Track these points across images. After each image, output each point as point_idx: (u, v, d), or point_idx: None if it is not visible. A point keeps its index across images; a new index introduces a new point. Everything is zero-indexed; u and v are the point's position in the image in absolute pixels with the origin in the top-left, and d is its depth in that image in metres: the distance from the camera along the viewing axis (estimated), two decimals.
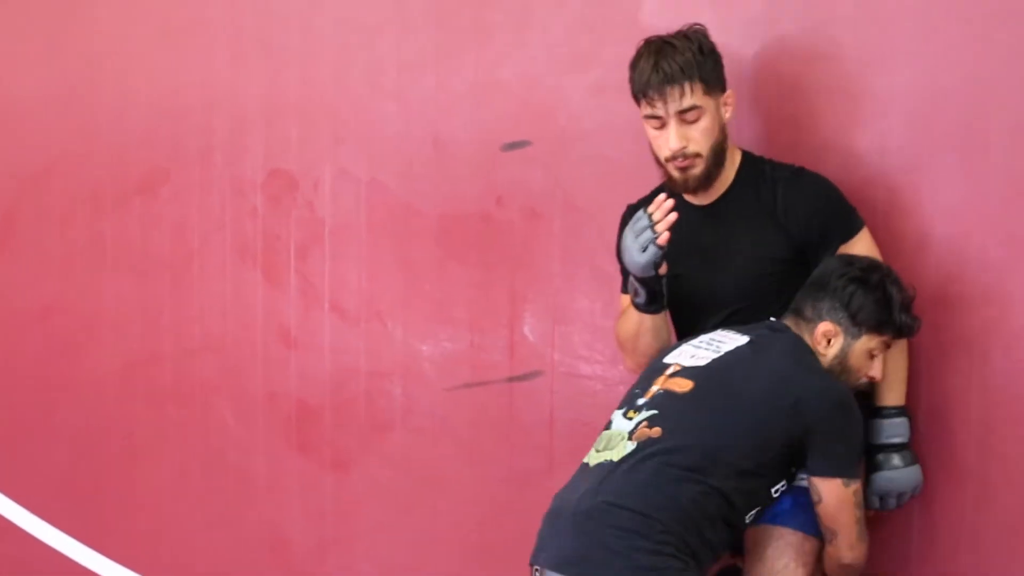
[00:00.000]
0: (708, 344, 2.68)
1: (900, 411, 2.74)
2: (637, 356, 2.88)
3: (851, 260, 2.68)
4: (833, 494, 2.56)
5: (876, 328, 2.62)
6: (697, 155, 2.71)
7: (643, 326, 2.82)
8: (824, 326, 2.64)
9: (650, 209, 2.65)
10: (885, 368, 2.69)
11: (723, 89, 2.75)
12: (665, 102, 2.67)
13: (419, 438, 3.63)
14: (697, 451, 2.50)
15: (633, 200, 2.94)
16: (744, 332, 2.68)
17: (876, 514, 2.77)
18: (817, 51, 2.96)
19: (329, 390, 3.80)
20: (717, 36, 2.77)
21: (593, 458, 2.62)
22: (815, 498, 2.59)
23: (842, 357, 2.63)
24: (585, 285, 3.30)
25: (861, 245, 2.76)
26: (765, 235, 2.77)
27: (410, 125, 3.60)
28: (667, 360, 2.71)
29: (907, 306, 2.63)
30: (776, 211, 2.76)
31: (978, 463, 2.78)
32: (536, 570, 2.59)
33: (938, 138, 2.79)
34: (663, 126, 2.71)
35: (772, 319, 2.72)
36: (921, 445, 2.75)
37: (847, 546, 2.60)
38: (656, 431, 2.54)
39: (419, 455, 3.63)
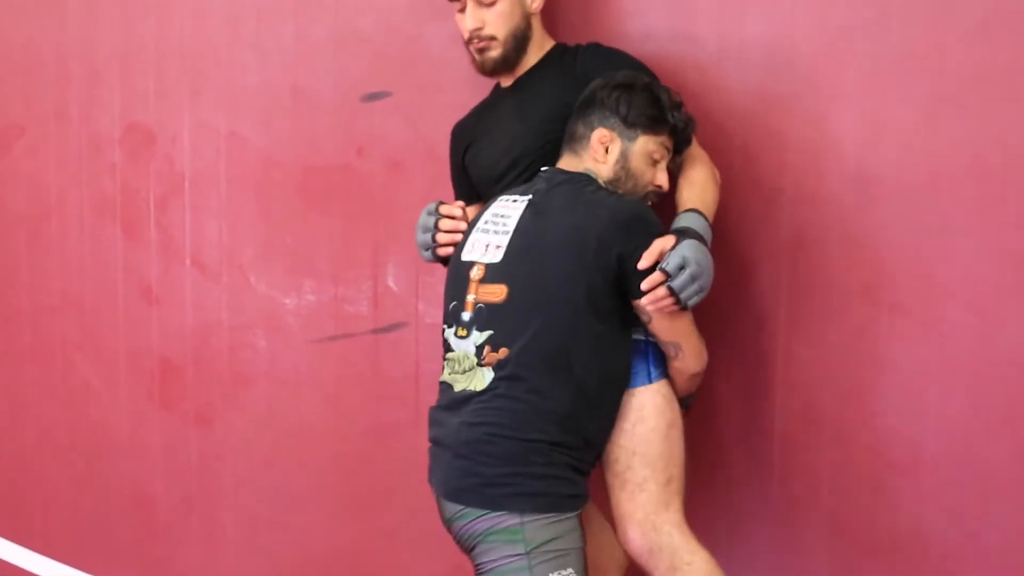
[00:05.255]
0: (495, 224, 2.55)
1: (696, 211, 2.54)
2: None
3: (612, 74, 2.60)
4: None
5: (650, 127, 2.53)
6: (492, 38, 2.72)
7: None
8: (598, 133, 2.54)
9: (443, 211, 2.72)
10: (686, 179, 2.60)
11: None
12: None
13: (283, 391, 3.51)
14: (548, 354, 2.40)
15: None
16: (523, 194, 2.57)
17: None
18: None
19: (191, 345, 3.67)
20: None
21: (455, 381, 2.51)
22: (645, 319, 2.44)
23: (623, 161, 2.53)
24: None
25: None
26: (565, 95, 2.68)
27: (269, 76, 3.45)
28: (466, 258, 2.57)
29: (677, 105, 2.56)
30: (576, 71, 2.72)
31: (836, 403, 2.70)
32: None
33: (797, 82, 2.68)
34: (463, 9, 2.72)
35: (543, 168, 2.61)
36: (780, 391, 2.67)
37: (694, 353, 2.47)
38: (503, 352, 2.44)
39: (283, 409, 3.52)
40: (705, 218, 2.51)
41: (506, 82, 2.82)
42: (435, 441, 2.54)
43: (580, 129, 2.57)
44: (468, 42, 2.74)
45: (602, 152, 2.54)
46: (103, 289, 3.86)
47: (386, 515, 3.37)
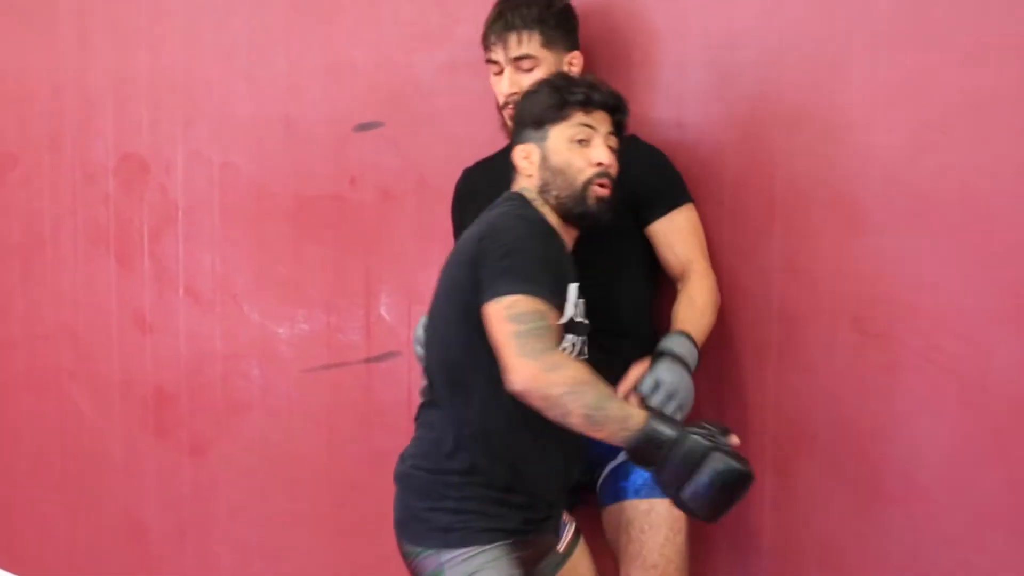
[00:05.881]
0: None
1: (683, 333, 2.54)
2: None
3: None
4: (490, 316, 2.21)
5: (556, 115, 2.41)
6: None
7: None
8: (517, 151, 2.46)
9: None
10: (687, 297, 2.59)
11: (569, 48, 2.70)
12: (503, 48, 2.66)
13: (277, 420, 3.51)
14: (450, 377, 2.35)
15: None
16: None
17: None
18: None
19: (185, 374, 3.66)
20: None
21: None
22: None
23: (545, 164, 2.42)
24: (440, 264, 3.15)
25: (682, 217, 2.66)
26: None
27: (262, 106, 3.46)
28: None
29: (579, 82, 2.45)
30: None
31: (828, 432, 2.70)
32: None
33: (786, 111, 2.69)
34: (501, 72, 2.68)
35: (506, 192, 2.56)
36: (772, 419, 2.66)
37: (508, 367, 2.16)
38: (426, 379, 2.46)
39: (277, 437, 3.51)
40: (694, 343, 2.52)
41: None
42: None
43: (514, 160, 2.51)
44: (503, 107, 2.67)
45: (526, 167, 2.46)
46: (97, 318, 3.86)
47: (380, 542, 3.33)
